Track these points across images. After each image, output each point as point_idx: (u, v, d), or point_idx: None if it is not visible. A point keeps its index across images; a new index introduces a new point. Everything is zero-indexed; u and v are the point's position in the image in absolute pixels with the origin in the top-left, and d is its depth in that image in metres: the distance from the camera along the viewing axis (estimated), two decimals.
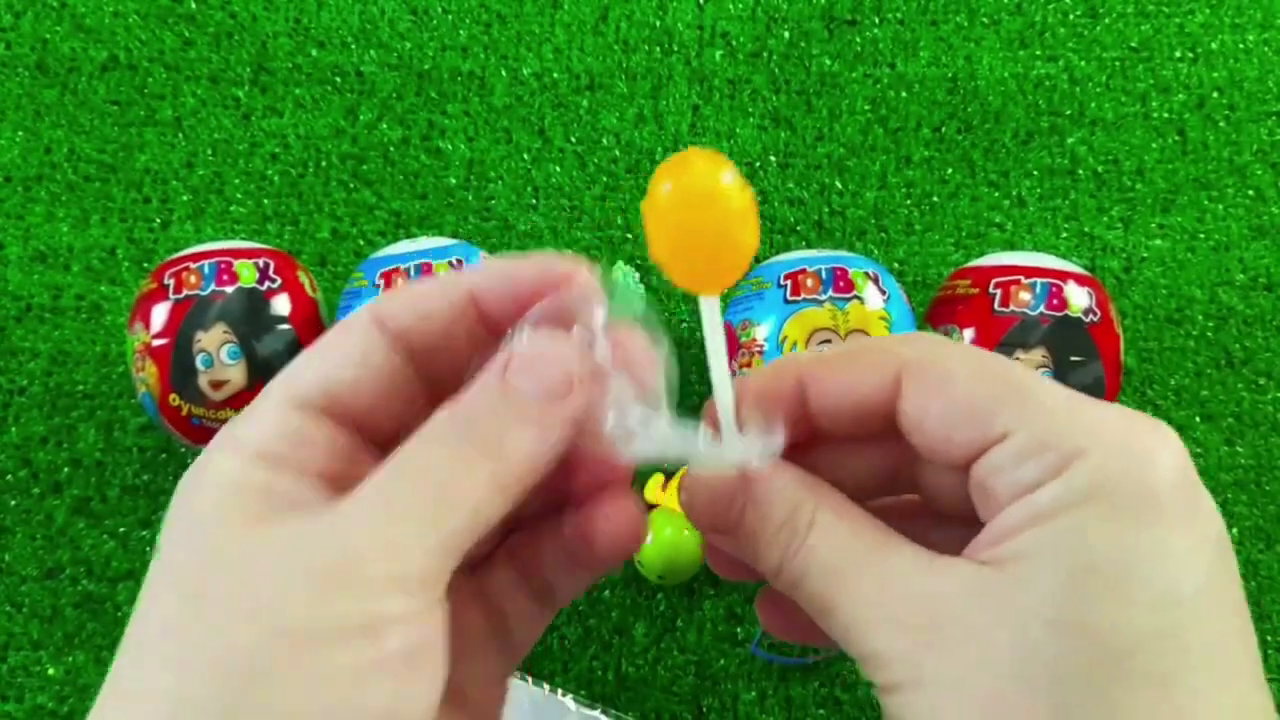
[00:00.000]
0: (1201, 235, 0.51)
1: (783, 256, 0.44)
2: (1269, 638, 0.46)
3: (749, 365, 0.41)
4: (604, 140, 0.52)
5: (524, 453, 0.18)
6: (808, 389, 0.20)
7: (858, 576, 0.18)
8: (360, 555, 0.16)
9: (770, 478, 0.20)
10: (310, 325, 0.43)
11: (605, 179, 0.51)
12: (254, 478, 0.17)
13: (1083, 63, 0.53)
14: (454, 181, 0.51)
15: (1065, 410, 0.18)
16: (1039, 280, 0.42)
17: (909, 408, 0.19)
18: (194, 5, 0.53)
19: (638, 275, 0.49)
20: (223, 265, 0.41)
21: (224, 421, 0.41)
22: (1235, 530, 0.47)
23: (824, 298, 0.41)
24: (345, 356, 0.19)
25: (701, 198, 0.19)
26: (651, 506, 0.44)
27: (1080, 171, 0.52)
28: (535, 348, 0.19)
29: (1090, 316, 0.41)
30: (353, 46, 0.53)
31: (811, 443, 0.21)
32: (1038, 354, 0.40)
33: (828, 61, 0.53)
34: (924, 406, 0.19)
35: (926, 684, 0.17)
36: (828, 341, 0.40)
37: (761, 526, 0.20)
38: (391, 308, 0.20)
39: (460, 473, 0.17)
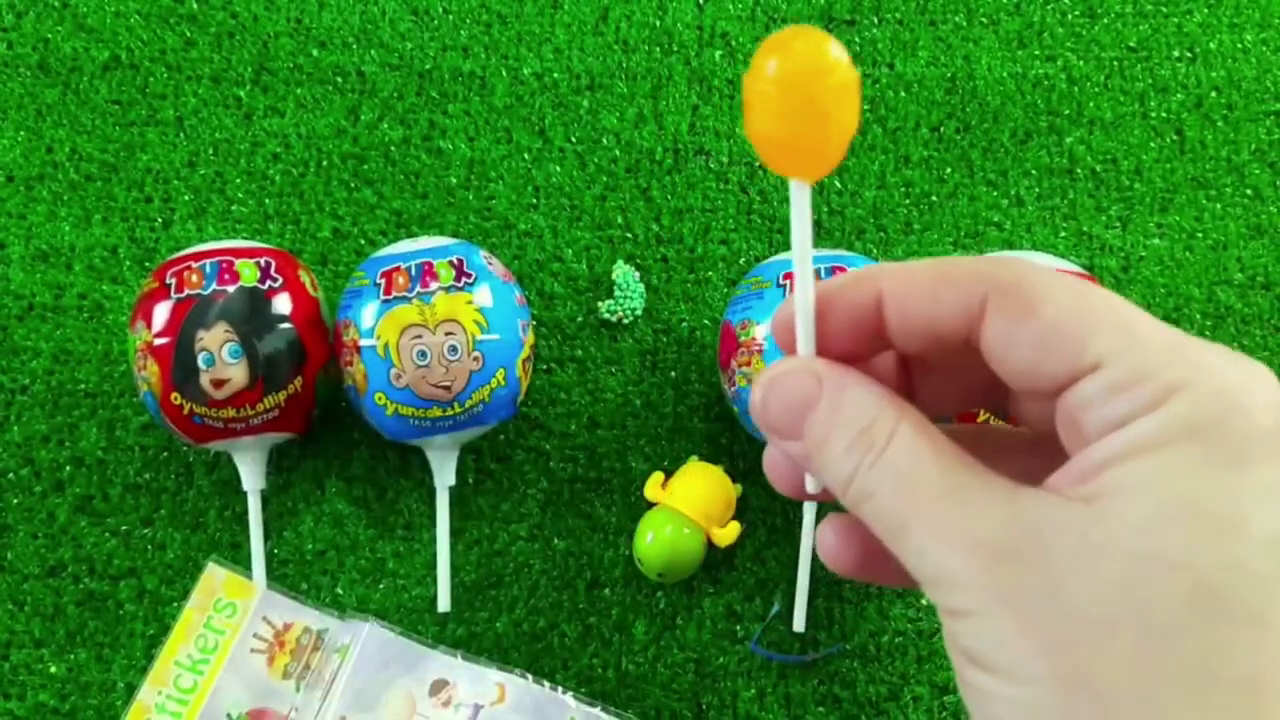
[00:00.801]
0: (1199, 234, 0.51)
1: (783, 256, 0.44)
2: None
3: (749, 365, 0.41)
4: (604, 140, 0.52)
5: None
6: (886, 303, 0.19)
7: (936, 495, 0.17)
8: None
9: (853, 386, 0.19)
10: (311, 324, 0.43)
11: (605, 179, 0.51)
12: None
13: (1081, 63, 0.53)
14: (455, 181, 0.51)
15: (1163, 344, 0.16)
16: None
17: (995, 332, 0.18)
18: (195, 5, 0.53)
19: (638, 275, 0.49)
20: (224, 264, 0.42)
21: (225, 420, 0.41)
22: None
23: None
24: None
25: (811, 73, 0.18)
26: (651, 505, 0.44)
27: (1078, 171, 0.52)
28: None
29: None
30: (354, 47, 0.53)
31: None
32: None
33: None
34: (1011, 332, 0.17)
35: (997, 611, 0.16)
36: None
37: (838, 435, 0.18)
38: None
39: None
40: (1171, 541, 0.15)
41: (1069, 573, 0.16)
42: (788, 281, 0.41)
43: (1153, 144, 0.52)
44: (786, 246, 0.50)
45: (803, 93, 0.18)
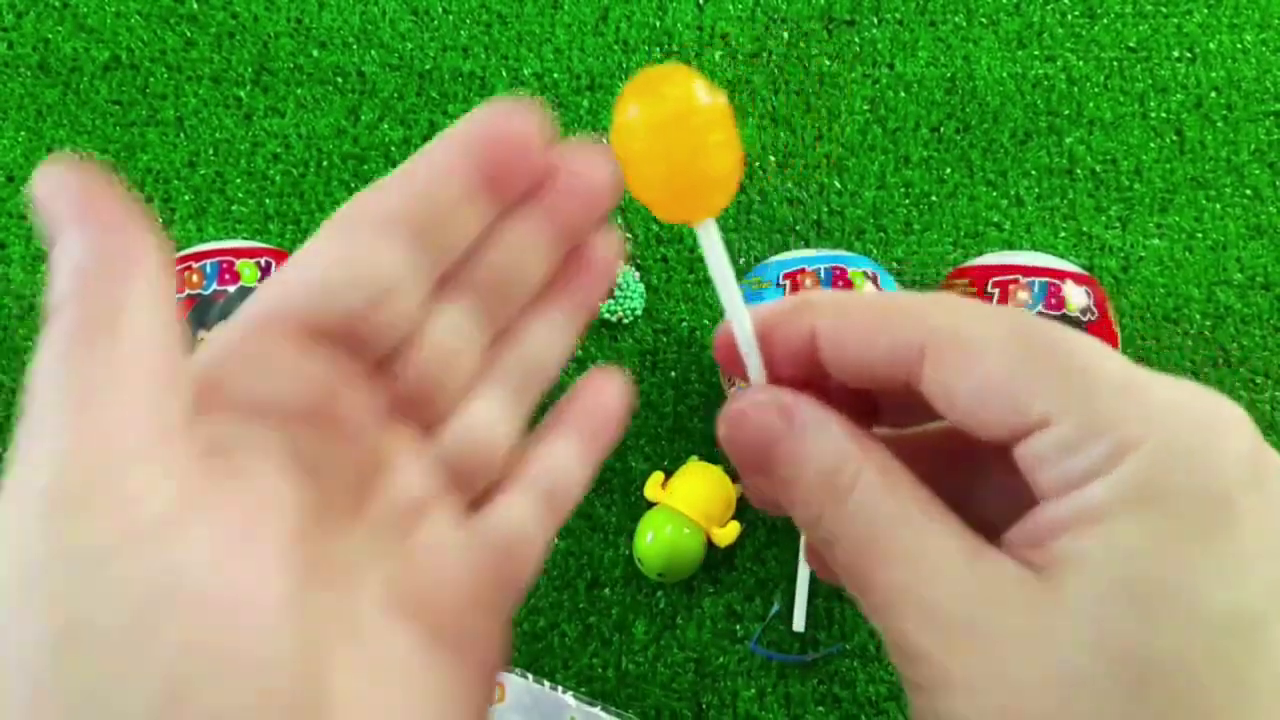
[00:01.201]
0: (1199, 235, 0.51)
1: (781, 256, 0.44)
2: None
3: None
4: (604, 140, 0.52)
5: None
6: (820, 341, 0.18)
7: (895, 555, 0.16)
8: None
9: (816, 424, 0.18)
10: None
11: None
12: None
13: (1081, 63, 0.53)
14: None
15: (1117, 389, 0.15)
16: (1037, 279, 0.42)
17: (933, 385, 0.16)
18: (196, 6, 0.53)
19: (638, 275, 0.49)
20: (224, 264, 0.42)
21: None
22: None
23: None
24: (330, 256, 0.18)
25: (672, 122, 0.17)
26: (651, 505, 0.44)
27: (1078, 171, 0.52)
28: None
29: (1088, 315, 0.41)
30: (354, 47, 0.53)
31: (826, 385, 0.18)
32: None
33: (826, 62, 0.53)
34: (950, 385, 0.16)
35: (954, 690, 0.15)
36: None
37: (800, 477, 0.18)
38: (374, 198, 0.18)
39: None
40: (1120, 629, 0.14)
41: (1018, 658, 0.15)
42: (787, 281, 0.41)
43: (1152, 144, 0.52)
44: (786, 246, 0.50)
45: (669, 144, 0.17)
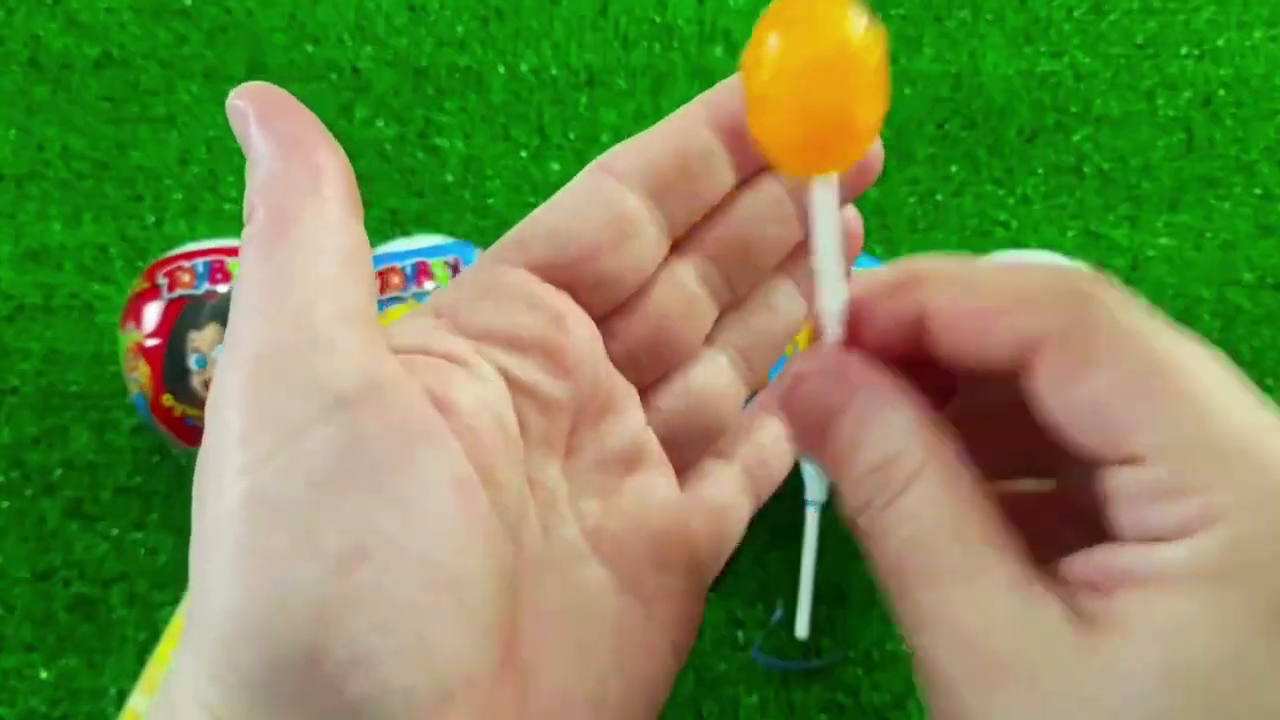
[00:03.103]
0: (1208, 233, 0.50)
1: None
2: None
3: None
4: (603, 137, 0.51)
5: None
6: (931, 325, 0.16)
7: (941, 571, 0.15)
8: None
9: (883, 405, 0.16)
10: None
11: None
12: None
13: (1088, 59, 0.53)
14: (451, 179, 0.50)
15: (1229, 444, 0.13)
16: None
17: (1039, 386, 0.15)
18: (188, 1, 0.53)
19: None
20: (216, 264, 0.41)
21: None
22: None
23: None
24: (568, 200, 0.19)
25: (821, 63, 0.14)
26: None
27: (1086, 169, 0.51)
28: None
29: None
30: (348, 42, 0.52)
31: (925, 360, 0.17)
32: None
33: None
34: (1054, 392, 0.15)
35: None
36: None
37: (858, 459, 0.16)
38: (617, 154, 0.19)
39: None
40: (1165, 712, 0.13)
41: (1055, 715, 0.14)
42: None
43: (1161, 142, 0.52)
44: None
45: (818, 84, 0.14)
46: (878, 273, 0.17)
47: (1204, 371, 0.14)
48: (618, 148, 0.19)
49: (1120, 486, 0.14)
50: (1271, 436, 0.14)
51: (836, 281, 0.17)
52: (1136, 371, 0.14)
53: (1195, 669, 0.13)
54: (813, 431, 0.17)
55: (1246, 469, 0.13)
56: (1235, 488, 0.13)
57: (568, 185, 0.19)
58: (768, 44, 0.15)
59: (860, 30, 0.14)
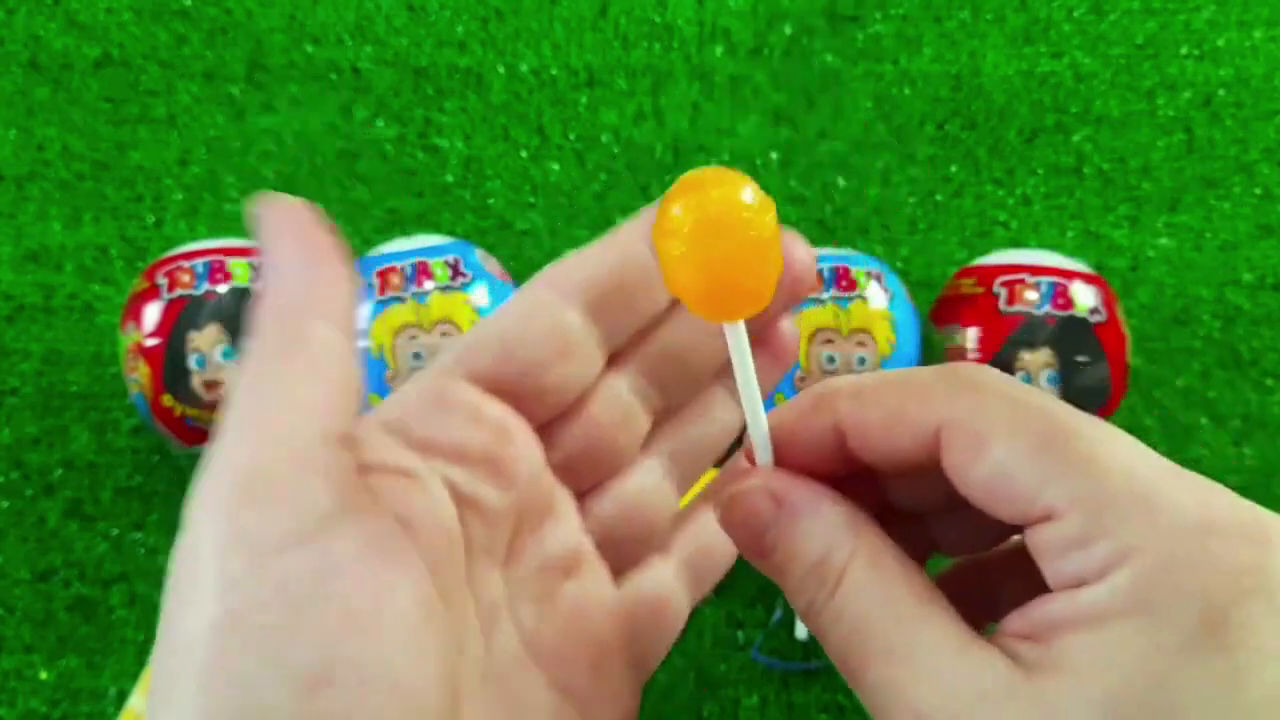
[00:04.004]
0: (1208, 234, 0.50)
1: None
2: None
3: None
4: (603, 137, 0.51)
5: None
6: (846, 434, 0.18)
7: (884, 648, 0.16)
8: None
9: (805, 512, 0.18)
10: None
11: (604, 176, 0.51)
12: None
13: (1088, 60, 0.53)
14: (451, 179, 0.50)
15: (1126, 489, 0.15)
16: (1045, 279, 0.41)
17: (949, 467, 0.17)
18: (188, 2, 0.53)
19: None
20: (216, 264, 0.41)
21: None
22: None
23: (826, 296, 0.40)
24: (507, 317, 0.19)
25: (721, 224, 0.17)
26: None
27: (1086, 169, 0.51)
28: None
29: (1096, 316, 0.41)
30: (348, 43, 0.52)
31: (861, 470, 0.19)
32: (1043, 354, 0.40)
33: (830, 58, 0.52)
34: (963, 470, 0.16)
35: None
36: (830, 341, 0.40)
37: (792, 567, 0.18)
38: (556, 270, 0.20)
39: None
40: None
41: None
42: None
43: (1161, 142, 0.52)
44: None
45: (716, 247, 0.17)
46: (797, 399, 0.19)
47: (1094, 429, 0.16)
48: (561, 262, 0.20)
49: (1041, 542, 0.15)
50: (1163, 479, 0.15)
51: (757, 410, 0.18)
52: (1031, 440, 0.16)
53: (1127, 697, 0.14)
54: (752, 546, 0.19)
55: (1151, 510, 0.15)
56: (1139, 527, 0.15)
57: (512, 298, 0.20)
58: (671, 212, 0.17)
59: (748, 201, 0.17)
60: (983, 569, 0.20)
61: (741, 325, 0.18)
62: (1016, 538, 0.19)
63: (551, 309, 0.19)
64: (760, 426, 0.19)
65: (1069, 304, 0.41)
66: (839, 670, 0.17)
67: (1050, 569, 0.16)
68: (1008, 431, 0.16)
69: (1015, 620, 0.16)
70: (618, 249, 0.20)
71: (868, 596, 0.17)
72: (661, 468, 0.21)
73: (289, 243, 0.17)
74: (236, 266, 0.41)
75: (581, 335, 0.19)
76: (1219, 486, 0.15)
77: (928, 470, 0.17)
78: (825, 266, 0.41)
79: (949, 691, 0.15)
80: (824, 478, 0.18)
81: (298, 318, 0.17)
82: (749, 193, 0.17)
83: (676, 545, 0.22)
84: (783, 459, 0.19)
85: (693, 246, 0.17)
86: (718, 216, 0.17)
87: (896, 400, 0.17)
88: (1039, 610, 0.16)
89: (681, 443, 0.22)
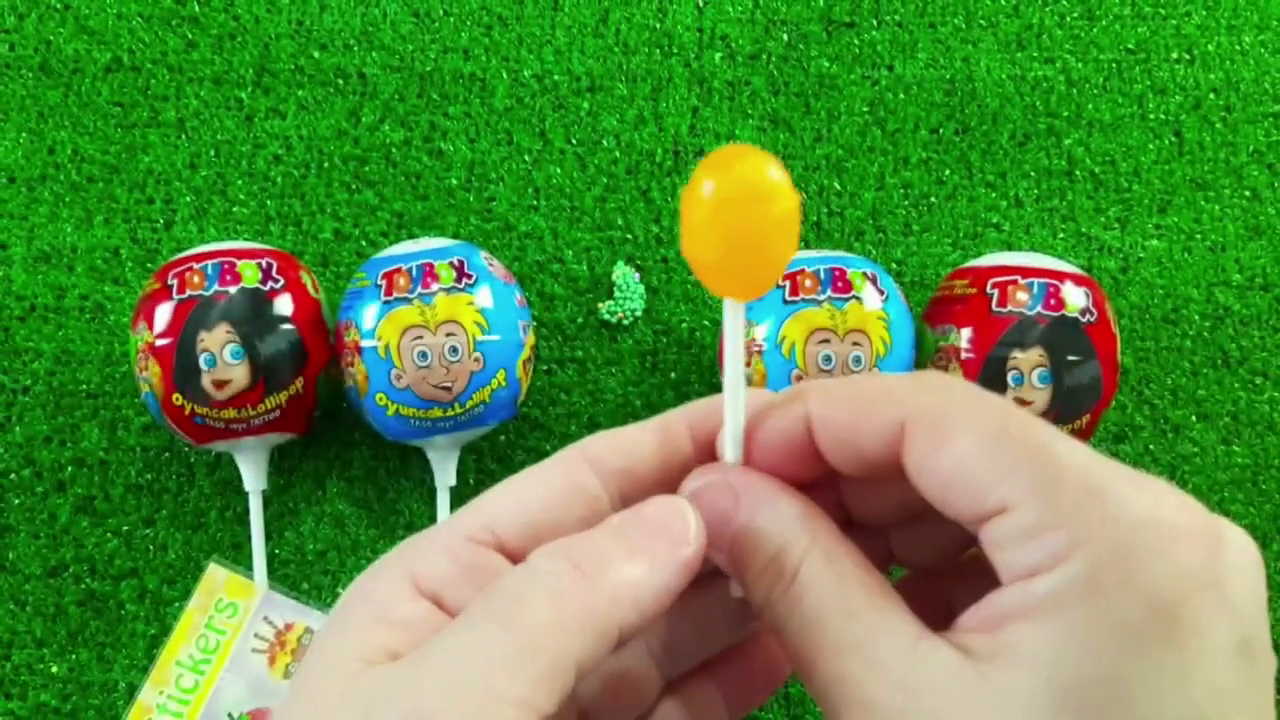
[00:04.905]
0: (1198, 236, 0.51)
1: None
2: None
3: (748, 365, 0.41)
4: (604, 141, 0.52)
5: (627, 586, 0.17)
6: (815, 428, 0.18)
7: (836, 646, 0.17)
8: (429, 713, 0.15)
9: (764, 507, 0.18)
10: (312, 325, 0.43)
11: (605, 180, 0.51)
12: (390, 615, 0.17)
13: (1080, 65, 0.54)
14: (455, 182, 0.51)
15: (1080, 484, 0.15)
16: (1036, 280, 0.42)
17: (910, 461, 0.17)
18: (197, 7, 0.53)
19: (638, 275, 0.50)
20: (226, 265, 0.42)
21: (227, 421, 0.41)
22: None
23: (822, 298, 0.41)
24: (544, 489, 0.19)
25: (749, 198, 0.17)
26: None
27: (1077, 172, 0.52)
28: (658, 502, 0.18)
29: (1087, 316, 0.41)
30: (355, 49, 0.53)
31: (832, 475, 0.19)
32: (1035, 354, 0.41)
33: (826, 64, 0.53)
34: (924, 463, 0.17)
35: None
36: (827, 341, 0.40)
37: (750, 558, 0.18)
38: (599, 446, 0.19)
39: (549, 609, 0.16)
40: None
41: None
42: (787, 281, 0.41)
43: (1151, 145, 0.52)
44: None
45: (742, 220, 0.17)
46: (768, 396, 0.19)
47: (1048, 431, 0.16)
48: (598, 438, 0.19)
49: (996, 536, 0.16)
50: (1113, 476, 0.16)
51: (737, 400, 0.19)
52: (991, 434, 0.16)
53: (1076, 686, 0.14)
54: (713, 539, 0.18)
55: (1103, 504, 0.15)
56: (1095, 521, 0.15)
57: (544, 464, 0.19)
58: (700, 183, 0.17)
59: (773, 180, 0.17)
60: (937, 579, 0.20)
61: (742, 307, 0.18)
62: (972, 550, 0.20)
63: (586, 488, 0.19)
64: (737, 419, 0.19)
65: (1060, 305, 0.41)
66: (791, 661, 0.18)
67: (1003, 561, 0.16)
68: (969, 425, 0.16)
69: (968, 616, 0.16)
70: (660, 432, 0.19)
71: (822, 591, 0.17)
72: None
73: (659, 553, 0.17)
74: (246, 268, 0.42)
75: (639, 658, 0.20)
76: (1171, 487, 0.16)
77: (889, 471, 0.18)
78: (821, 268, 0.42)
79: (898, 684, 0.16)
80: (790, 480, 0.19)
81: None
82: (774, 171, 0.17)
83: None
84: (751, 456, 0.19)
85: (715, 216, 0.17)
86: (743, 190, 0.17)
87: (865, 396, 0.18)
88: (991, 603, 0.16)
89: None
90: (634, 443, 0.19)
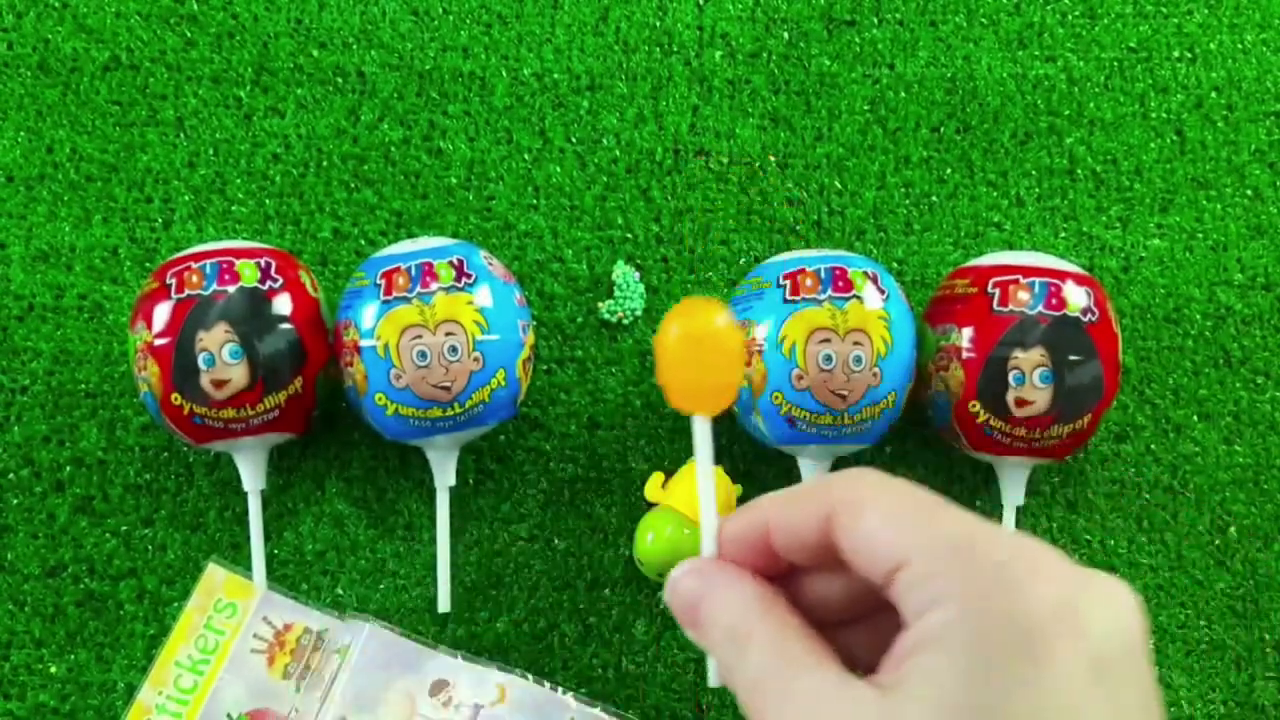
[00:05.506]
0: (1199, 235, 0.51)
1: (782, 256, 0.44)
2: (1267, 635, 0.46)
3: (749, 365, 0.41)
4: (604, 140, 0.52)
5: None
6: (770, 528, 0.23)
7: (778, 694, 0.21)
8: None
9: (725, 589, 0.23)
10: (311, 324, 0.43)
11: (605, 179, 0.51)
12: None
13: (1081, 63, 0.53)
14: (455, 181, 0.51)
15: (957, 539, 0.19)
16: (1038, 279, 0.42)
17: (838, 540, 0.21)
18: (196, 6, 0.53)
19: (638, 275, 0.49)
20: (224, 265, 0.42)
21: (225, 420, 0.41)
22: (1234, 529, 0.47)
23: (823, 297, 0.41)
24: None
25: (705, 335, 0.24)
26: (651, 505, 0.44)
27: (1079, 171, 0.52)
28: None
29: (1089, 316, 0.41)
30: (354, 47, 0.53)
31: (792, 571, 0.24)
32: (1036, 353, 0.41)
33: (827, 62, 0.53)
34: (846, 539, 0.21)
35: None
36: (827, 341, 0.40)
37: (711, 633, 0.22)
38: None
39: None
40: None
41: None
42: (788, 281, 0.41)
43: (1153, 144, 0.52)
44: (786, 246, 0.50)
45: (701, 353, 0.24)
46: (733, 515, 0.24)
47: (938, 502, 0.21)
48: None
49: (899, 588, 0.20)
50: (990, 533, 0.20)
51: (710, 504, 0.24)
52: (892, 510, 0.21)
53: (954, 704, 0.18)
54: (685, 617, 0.23)
55: (969, 553, 0.19)
56: (965, 565, 0.19)
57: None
58: (668, 328, 0.24)
59: (722, 325, 0.24)
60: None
61: (708, 421, 0.24)
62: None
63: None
64: (710, 519, 0.24)
65: (1062, 304, 0.41)
66: (746, 715, 0.21)
67: (905, 608, 0.20)
68: (876, 505, 0.21)
69: (886, 658, 0.20)
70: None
71: (769, 650, 0.21)
72: None
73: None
74: (244, 267, 0.42)
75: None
76: (1044, 544, 0.20)
77: (829, 558, 0.22)
78: (822, 267, 0.42)
79: (818, 709, 0.20)
80: (760, 573, 0.23)
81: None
82: (723, 318, 0.24)
83: None
84: (725, 552, 0.24)
85: (678, 353, 0.24)
86: (698, 334, 0.24)
87: (801, 495, 0.22)
88: (898, 644, 0.20)
89: None
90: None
